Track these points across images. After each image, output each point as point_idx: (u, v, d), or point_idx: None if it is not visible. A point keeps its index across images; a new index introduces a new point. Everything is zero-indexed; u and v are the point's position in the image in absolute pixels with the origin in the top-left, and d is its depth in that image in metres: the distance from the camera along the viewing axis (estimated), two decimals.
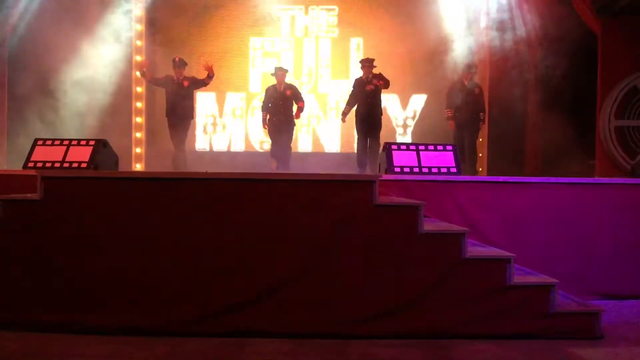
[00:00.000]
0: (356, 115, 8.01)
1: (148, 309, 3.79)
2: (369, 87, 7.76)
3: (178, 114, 7.72)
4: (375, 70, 7.90)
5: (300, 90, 8.50)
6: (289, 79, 8.62)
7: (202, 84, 8.04)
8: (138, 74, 8.58)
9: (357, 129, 8.11)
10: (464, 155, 7.91)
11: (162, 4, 9.44)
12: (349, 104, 8.06)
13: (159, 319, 3.76)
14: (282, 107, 8.24)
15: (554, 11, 8.20)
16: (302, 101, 8.32)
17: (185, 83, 7.75)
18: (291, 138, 8.38)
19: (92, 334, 3.69)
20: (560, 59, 8.14)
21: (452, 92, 8.12)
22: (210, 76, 7.91)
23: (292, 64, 9.52)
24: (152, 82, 8.01)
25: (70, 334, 3.70)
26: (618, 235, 5.02)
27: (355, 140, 9.00)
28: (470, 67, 8.21)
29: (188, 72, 7.95)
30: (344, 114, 8.09)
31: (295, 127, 8.43)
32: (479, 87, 8.16)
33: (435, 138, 8.12)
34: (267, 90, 8.41)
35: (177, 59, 7.79)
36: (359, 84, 7.99)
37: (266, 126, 8.28)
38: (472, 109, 8.02)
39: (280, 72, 8.32)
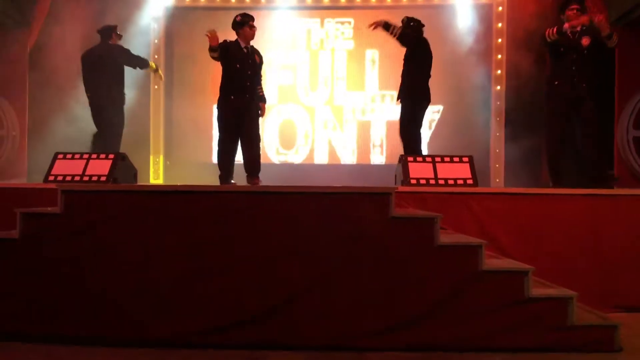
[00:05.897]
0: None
1: (164, 321, 3.81)
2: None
3: None
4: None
5: None
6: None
7: None
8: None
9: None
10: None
11: (178, 23, 9.53)
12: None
13: (174, 330, 3.78)
14: (247, 79, 5.85)
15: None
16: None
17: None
18: (256, 131, 6.04)
19: (110, 347, 3.72)
20: None
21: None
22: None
23: (309, 77, 9.54)
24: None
25: (90, 347, 3.72)
26: (637, 247, 4.97)
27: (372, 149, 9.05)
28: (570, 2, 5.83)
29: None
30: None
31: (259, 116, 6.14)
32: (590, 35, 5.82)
33: (451, 150, 8.09)
34: (228, 46, 5.93)
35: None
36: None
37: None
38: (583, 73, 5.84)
39: (252, 23, 6.01)
